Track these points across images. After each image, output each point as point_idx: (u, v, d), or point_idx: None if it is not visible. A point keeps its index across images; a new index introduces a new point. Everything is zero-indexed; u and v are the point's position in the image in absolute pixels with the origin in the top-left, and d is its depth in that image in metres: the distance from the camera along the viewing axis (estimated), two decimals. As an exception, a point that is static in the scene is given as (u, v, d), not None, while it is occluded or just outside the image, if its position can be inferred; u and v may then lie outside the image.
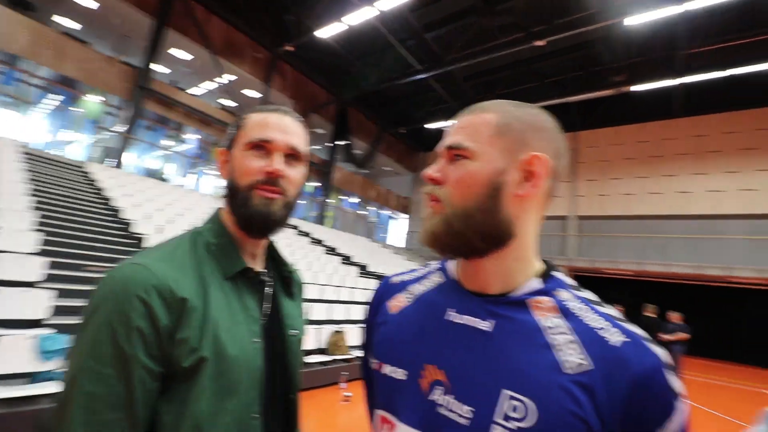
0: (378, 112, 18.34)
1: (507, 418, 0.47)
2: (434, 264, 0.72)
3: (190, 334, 0.64)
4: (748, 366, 12.70)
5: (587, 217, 15.96)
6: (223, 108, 14.38)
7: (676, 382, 0.47)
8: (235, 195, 0.77)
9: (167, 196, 9.57)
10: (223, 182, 0.80)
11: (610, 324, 0.51)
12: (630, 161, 15.51)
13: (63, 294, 4.26)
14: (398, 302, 0.68)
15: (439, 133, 19.95)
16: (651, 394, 0.46)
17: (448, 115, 17.13)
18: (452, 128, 0.60)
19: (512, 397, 0.48)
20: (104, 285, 0.63)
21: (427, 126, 17.96)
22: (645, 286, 14.37)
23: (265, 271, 0.85)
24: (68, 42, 9.83)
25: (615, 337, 0.49)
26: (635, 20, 10.08)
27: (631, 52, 12.85)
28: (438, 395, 0.53)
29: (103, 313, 0.60)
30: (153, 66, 10.93)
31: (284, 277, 0.89)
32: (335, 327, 6.18)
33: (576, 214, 16.17)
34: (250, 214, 0.75)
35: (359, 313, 7.44)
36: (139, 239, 6.54)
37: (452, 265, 0.66)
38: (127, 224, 7.03)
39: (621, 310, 8.31)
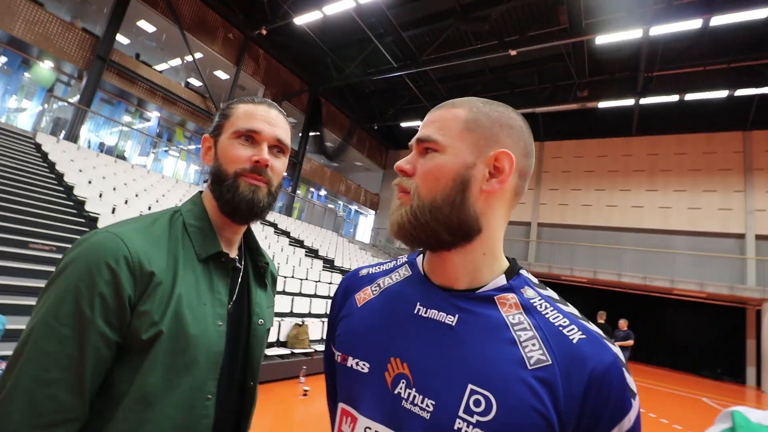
0: (351, 105, 18.20)
1: (469, 412, 0.47)
2: (403, 258, 0.72)
3: (153, 307, 0.65)
4: (686, 373, 13.70)
5: (547, 224, 16.64)
6: (190, 87, 13.76)
7: (631, 381, 0.48)
8: (221, 181, 0.78)
9: (125, 175, 9.04)
10: (206, 167, 0.83)
11: (570, 322, 0.52)
12: (590, 174, 16.30)
13: (4, 272, 3.92)
14: (365, 295, 0.67)
15: (412, 132, 20.10)
16: (607, 390, 0.46)
17: (421, 114, 17.27)
18: (424, 122, 0.60)
19: (475, 392, 0.48)
20: (77, 248, 0.65)
21: (400, 124, 18.03)
22: (598, 293, 15.16)
23: (239, 258, 0.86)
24: (19, 0, 9.04)
25: (575, 335, 0.50)
26: (603, 39, 10.58)
27: (597, 70, 13.48)
28: (402, 389, 0.53)
29: (71, 275, 0.62)
30: (115, 36, 10.26)
31: (258, 267, 0.90)
32: (297, 320, 6.09)
33: (537, 221, 16.81)
34: (237, 200, 0.77)
35: (322, 307, 7.37)
36: (93, 219, 6.13)
37: (420, 259, 0.66)
38: (80, 202, 6.58)
39: None
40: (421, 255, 0.67)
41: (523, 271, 0.60)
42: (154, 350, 0.64)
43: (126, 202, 7.13)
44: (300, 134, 16.38)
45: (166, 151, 15.60)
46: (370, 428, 0.54)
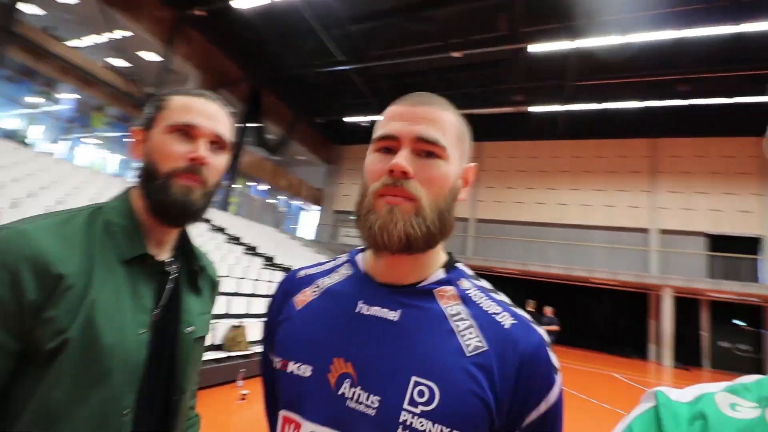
0: (294, 98, 17.65)
1: (414, 403, 0.49)
2: (342, 257, 0.70)
3: (60, 314, 0.60)
4: (600, 352, 15.18)
5: (484, 220, 17.57)
6: (112, 67, 12.46)
7: (554, 358, 0.53)
8: (152, 179, 0.72)
9: (29, 164, 7.98)
10: (136, 163, 0.76)
11: (502, 309, 0.57)
12: (522, 173, 17.44)
13: None
14: (304, 297, 0.65)
15: (357, 127, 20.01)
16: (535, 367, 0.51)
17: (366, 110, 17.26)
18: (413, 116, 0.56)
19: (418, 383, 0.50)
20: None
21: (345, 119, 17.87)
22: (527, 283, 16.29)
23: (170, 261, 0.80)
24: None
25: (506, 320, 0.55)
26: (537, 48, 11.32)
27: (532, 77, 14.37)
28: (346, 388, 0.52)
29: None
30: (21, 5, 8.98)
31: (192, 270, 0.85)
32: (234, 321, 5.81)
33: (475, 217, 17.67)
34: (169, 201, 0.71)
35: (262, 306, 7.10)
36: (-13, 214, 5.34)
37: (361, 258, 0.66)
38: (-30, 194, 5.69)
39: None
40: (361, 253, 0.67)
41: (459, 264, 0.63)
42: (59, 361, 0.58)
43: (29, 195, 6.29)
44: (238, 126, 15.59)
45: (81, 138, 14.02)
46: None
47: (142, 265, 0.72)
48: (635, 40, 10.60)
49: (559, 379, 0.53)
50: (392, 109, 0.59)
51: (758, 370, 13.19)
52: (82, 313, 0.61)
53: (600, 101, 13.57)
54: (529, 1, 10.77)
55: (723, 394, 0.34)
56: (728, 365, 13.61)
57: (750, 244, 13.74)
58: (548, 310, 9.23)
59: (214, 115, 0.76)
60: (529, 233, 16.51)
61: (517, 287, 16.24)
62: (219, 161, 0.77)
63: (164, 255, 0.79)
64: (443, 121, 0.57)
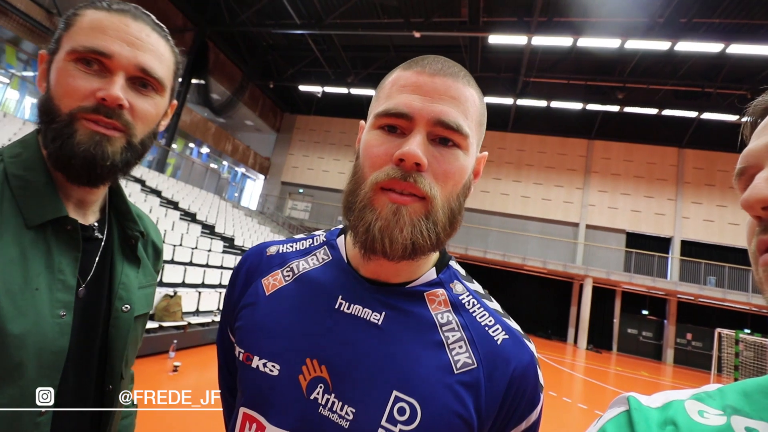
0: (245, 57, 16.53)
1: (393, 421, 0.44)
2: (319, 235, 0.61)
3: None
4: (534, 336, 16.45)
5: (431, 203, 18.02)
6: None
7: (541, 376, 0.51)
8: (50, 121, 0.55)
9: None
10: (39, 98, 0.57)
11: (495, 321, 0.52)
12: (471, 161, 18.00)
13: None
14: (275, 281, 0.56)
15: (310, 96, 19.31)
16: (524, 387, 0.48)
17: (322, 80, 16.66)
18: (432, 87, 0.46)
19: (399, 399, 0.45)
20: None
21: (299, 86, 17.12)
22: (468, 268, 16.90)
23: (97, 225, 0.65)
24: None
25: (499, 335, 0.50)
26: (495, 39, 11.53)
27: (487, 67, 14.69)
28: (319, 394, 0.46)
29: None
30: None
31: (128, 237, 0.70)
32: (168, 290, 5.45)
33: (422, 200, 18.07)
34: (71, 153, 0.54)
35: (199, 276, 6.73)
36: None
37: (342, 241, 0.57)
38: None
39: None
40: (343, 235, 0.58)
41: (452, 262, 0.57)
42: None
43: None
44: (180, 79, 14.30)
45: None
46: None
47: (58, 230, 0.57)
48: (584, 45, 11.17)
49: (542, 397, 0.50)
50: (404, 75, 0.48)
51: (657, 355, 15.15)
52: None
53: (547, 99, 14.26)
54: (493, -9, 10.89)
55: (691, 402, 0.35)
56: (633, 350, 15.43)
57: (662, 244, 15.48)
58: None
59: (141, 41, 0.57)
60: (473, 220, 17.21)
61: (457, 270, 17.00)
62: (147, 105, 0.60)
63: (90, 218, 0.64)
64: (467, 100, 0.47)
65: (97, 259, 0.63)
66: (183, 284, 6.34)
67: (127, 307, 0.66)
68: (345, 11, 12.55)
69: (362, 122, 0.54)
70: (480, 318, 0.52)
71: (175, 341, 4.81)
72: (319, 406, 0.46)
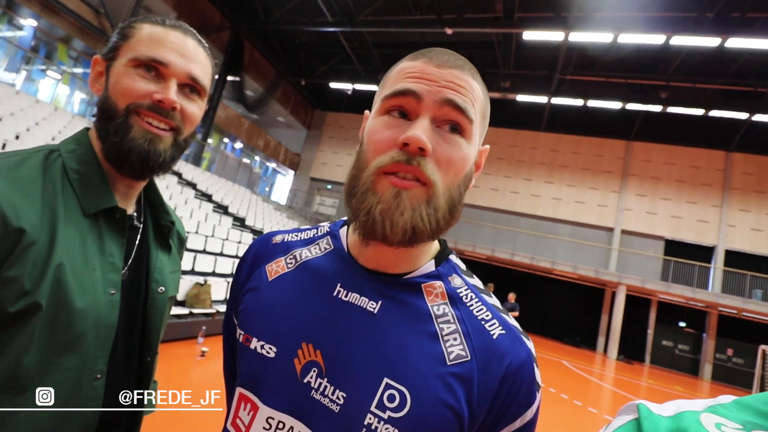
0: (278, 55, 16.88)
1: (382, 407, 0.45)
2: (324, 226, 0.63)
3: (23, 273, 0.53)
4: (552, 340, 16.02)
5: (459, 203, 17.79)
6: (81, -3, 11.41)
7: (539, 375, 0.50)
8: (109, 118, 0.63)
9: (-19, 90, 7.29)
10: (95, 98, 0.67)
11: (492, 316, 0.52)
12: (501, 161, 17.63)
13: None
14: (278, 267, 0.58)
15: (341, 93, 19.49)
16: (519, 383, 0.47)
17: (353, 77, 16.76)
18: (439, 75, 0.46)
19: (390, 386, 0.45)
20: None
21: (330, 85, 17.30)
22: (494, 269, 16.78)
23: (135, 215, 0.73)
24: None
25: (495, 330, 0.50)
26: (530, 36, 11.22)
27: (521, 64, 14.33)
28: (312, 378, 0.48)
29: None
30: None
31: (161, 226, 0.78)
32: (198, 279, 5.67)
33: (450, 199, 17.86)
34: (128, 147, 0.62)
35: (229, 266, 6.96)
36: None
37: (344, 232, 0.59)
38: None
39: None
40: (346, 226, 0.59)
41: (452, 256, 0.57)
42: (28, 325, 0.53)
43: (4, 146, 5.70)
44: (216, 76, 14.78)
45: (43, 70, 12.92)
46: (273, 418, 0.48)
47: (108, 218, 0.64)
48: (626, 41, 10.68)
49: (539, 396, 0.49)
50: (409, 65, 0.48)
51: (694, 370, 14.38)
52: (50, 275, 0.55)
53: (584, 98, 13.74)
54: (529, -14, 10.59)
55: (707, 414, 0.34)
56: (667, 363, 14.70)
57: (704, 253, 14.59)
58: (511, 297, 9.59)
59: (191, 53, 0.66)
60: (500, 220, 16.88)
61: (486, 272, 16.73)
62: (194, 108, 0.68)
63: (131, 208, 0.71)
64: (473, 90, 0.48)
65: (136, 245, 0.71)
66: (213, 273, 6.58)
67: (162, 289, 0.74)
68: (377, 8, 12.57)
69: (367, 112, 0.55)
70: (477, 312, 0.51)
71: (204, 327, 5.00)
72: (311, 389, 0.47)
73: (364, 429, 0.44)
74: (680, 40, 10.05)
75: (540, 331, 16.22)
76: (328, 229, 0.61)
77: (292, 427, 0.47)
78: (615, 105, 13.82)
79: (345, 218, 0.60)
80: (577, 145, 16.81)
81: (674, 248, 14.91)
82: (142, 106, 0.62)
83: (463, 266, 0.57)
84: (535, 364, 0.49)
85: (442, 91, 0.46)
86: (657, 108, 13.55)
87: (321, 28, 13.41)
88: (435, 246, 0.56)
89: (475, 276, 0.57)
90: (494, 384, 0.46)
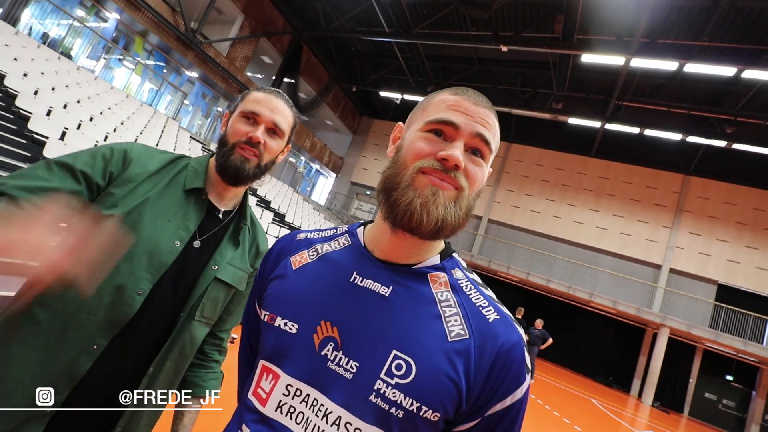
0: (333, 60, 17.43)
1: (390, 374, 0.52)
2: (343, 227, 0.72)
3: (118, 192, 0.84)
4: (583, 375, 15.24)
5: (496, 222, 17.38)
6: (161, -3, 12.38)
7: (528, 359, 0.56)
8: (222, 146, 0.97)
9: (68, 75, 8.09)
10: (220, 135, 1.03)
11: (489, 303, 0.59)
12: (545, 183, 17.10)
13: None
14: (302, 258, 0.67)
15: (390, 102, 19.75)
16: (510, 363, 0.54)
17: (403, 88, 16.97)
18: (474, 112, 0.58)
19: (398, 357, 0.52)
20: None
21: (380, 92, 17.61)
22: (528, 294, 16.23)
23: (227, 212, 1.01)
24: None
25: (491, 315, 0.57)
26: (589, 58, 10.89)
27: (575, 86, 13.91)
28: (329, 350, 0.55)
29: (102, 146, 0.88)
30: None
31: (238, 227, 1.03)
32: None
33: (488, 217, 17.50)
34: (228, 165, 0.94)
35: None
36: (39, 143, 5.46)
37: (361, 231, 0.68)
38: (23, 118, 5.81)
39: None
40: (362, 226, 0.68)
41: (455, 255, 0.65)
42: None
43: (78, 126, 6.26)
44: (274, 77, 15.49)
45: (120, 60, 14.09)
46: (291, 386, 0.55)
47: (197, 198, 0.94)
48: (692, 70, 10.13)
49: (528, 378, 0.55)
50: (450, 98, 0.59)
51: (738, 429, 13.16)
52: (135, 201, 0.84)
53: (641, 126, 13.08)
54: (588, 8, 10.31)
55: None
56: (708, 417, 13.51)
57: (761, 303, 13.28)
58: (538, 323, 9.25)
59: (277, 108, 0.98)
60: (538, 244, 16.31)
61: (518, 296, 16.20)
62: (274, 144, 0.99)
63: (225, 207, 1.00)
64: (494, 127, 0.59)
65: (214, 231, 0.97)
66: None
67: (215, 267, 0.95)
68: (434, 21, 12.70)
69: (400, 123, 0.67)
70: (475, 299, 0.59)
71: (236, 315, 5.23)
72: (327, 360, 0.54)
73: (374, 393, 0.51)
74: (753, 74, 9.40)
75: (571, 365, 15.47)
76: (347, 229, 0.70)
77: (308, 395, 0.54)
78: (674, 136, 13.05)
79: (362, 221, 0.71)
80: (629, 174, 15.99)
81: (727, 294, 13.73)
82: (241, 141, 0.94)
83: (464, 263, 0.66)
84: (525, 348, 0.56)
85: (476, 126, 0.57)
86: (721, 143, 12.64)
87: (377, 38, 13.72)
88: (440, 244, 0.64)
89: (475, 273, 0.65)
90: (488, 362, 0.53)
